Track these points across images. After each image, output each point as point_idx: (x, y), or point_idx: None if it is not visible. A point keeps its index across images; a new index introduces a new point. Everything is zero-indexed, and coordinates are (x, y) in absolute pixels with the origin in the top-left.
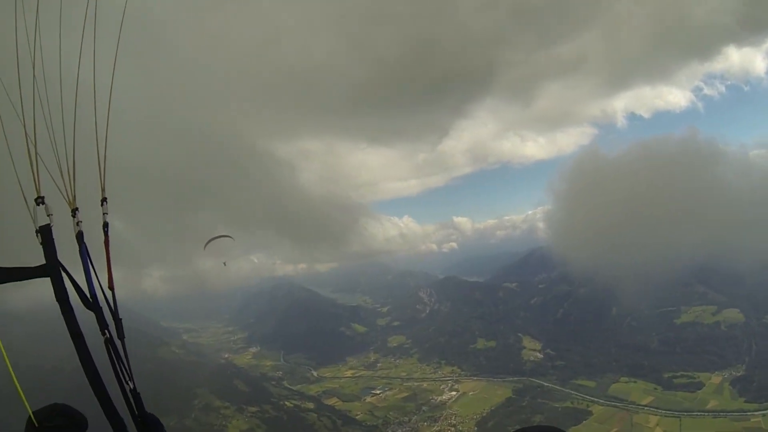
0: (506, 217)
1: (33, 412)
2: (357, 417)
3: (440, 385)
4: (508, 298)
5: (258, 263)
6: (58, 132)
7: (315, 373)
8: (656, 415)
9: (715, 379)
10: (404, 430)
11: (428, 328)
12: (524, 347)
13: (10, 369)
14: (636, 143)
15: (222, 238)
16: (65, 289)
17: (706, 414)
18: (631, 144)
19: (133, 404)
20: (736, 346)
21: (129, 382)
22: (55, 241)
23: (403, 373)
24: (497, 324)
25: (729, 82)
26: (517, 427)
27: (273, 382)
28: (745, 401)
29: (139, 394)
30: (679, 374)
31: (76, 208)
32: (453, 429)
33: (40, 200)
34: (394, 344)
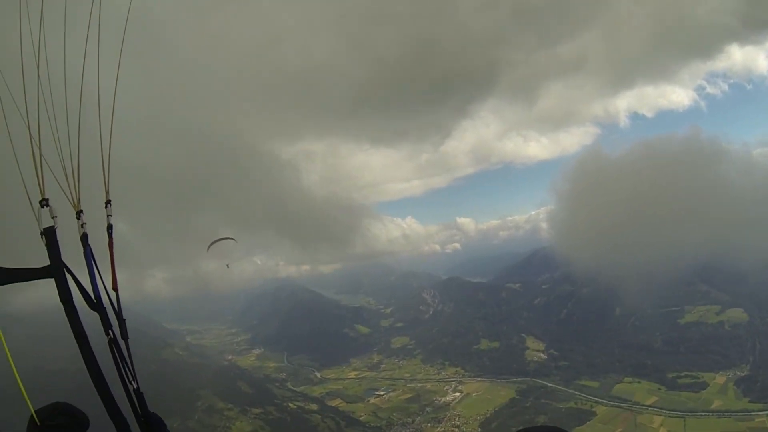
0: (509, 218)
1: (35, 411)
2: (361, 418)
3: (444, 386)
4: (511, 299)
5: (261, 265)
6: (63, 135)
7: (318, 375)
8: (660, 415)
9: (720, 379)
10: (408, 431)
11: (432, 329)
12: (528, 348)
13: (14, 368)
14: (639, 142)
15: (225, 241)
16: (69, 290)
17: (710, 414)
18: (634, 143)
19: (137, 404)
20: (740, 345)
21: (132, 381)
22: (60, 242)
23: (407, 374)
24: (500, 324)
25: (732, 81)
26: (521, 427)
27: (276, 384)
28: (750, 401)
29: (142, 393)
30: (683, 374)
31: (81, 211)
32: (457, 430)
33: (44, 202)
34: (398, 345)
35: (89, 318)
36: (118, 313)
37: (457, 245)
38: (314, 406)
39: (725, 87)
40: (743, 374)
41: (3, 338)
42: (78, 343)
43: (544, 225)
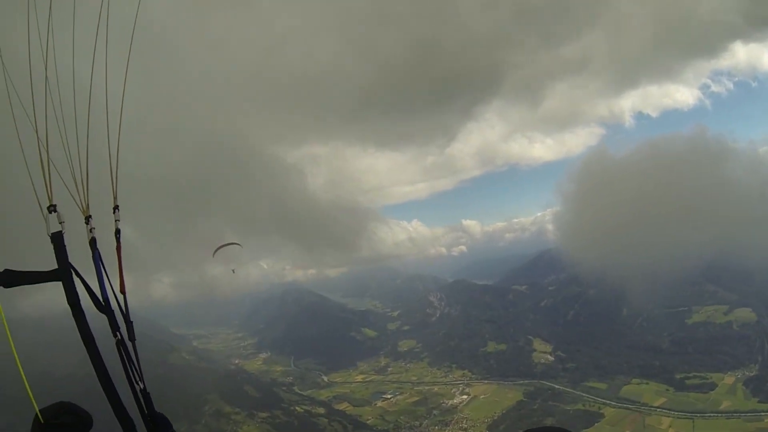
0: (515, 220)
1: (39, 410)
2: (368, 422)
3: (451, 389)
4: (517, 301)
5: (267, 269)
6: (72, 142)
7: (325, 378)
8: (669, 416)
9: (728, 379)
10: None
11: (438, 331)
12: (535, 350)
13: (21, 371)
14: (644, 142)
15: (230, 246)
16: (76, 292)
17: (719, 415)
18: (639, 143)
19: (144, 404)
20: (748, 345)
21: (139, 382)
22: (70, 246)
23: (414, 377)
24: (507, 327)
25: (736, 79)
26: (527, 428)
27: (283, 388)
28: (759, 401)
29: (149, 394)
30: (691, 375)
31: (90, 216)
32: None
33: (52, 208)
34: (405, 348)
35: (97, 321)
36: (126, 316)
37: (463, 248)
38: (321, 410)
39: (730, 85)
40: (752, 374)
41: (12, 343)
42: (85, 344)
43: (550, 226)
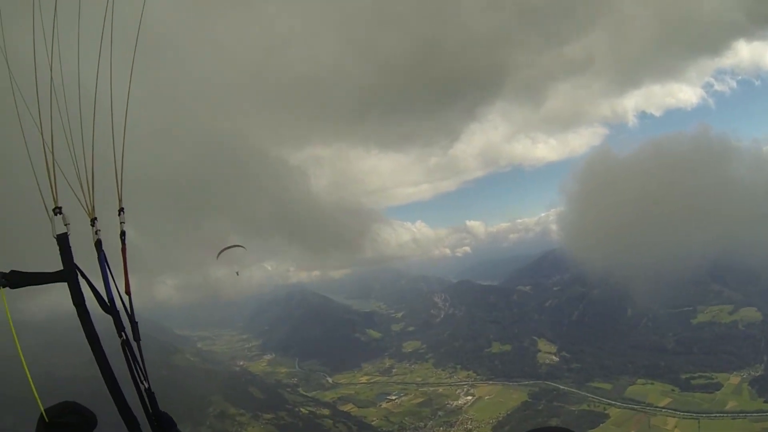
0: (519, 220)
1: (45, 410)
2: (373, 423)
3: (456, 390)
4: (522, 301)
5: (271, 270)
6: (77, 145)
7: (330, 380)
8: (674, 417)
9: (734, 379)
10: None
11: (443, 332)
12: (539, 350)
13: (27, 372)
14: (647, 142)
15: (234, 248)
16: (82, 293)
17: (725, 415)
18: (643, 143)
19: (148, 403)
20: (754, 345)
21: (144, 381)
22: (75, 248)
23: (419, 379)
24: (512, 327)
25: (740, 77)
26: (531, 428)
27: (288, 389)
28: (765, 401)
29: (153, 393)
30: (696, 375)
31: (95, 218)
32: None
33: (57, 210)
34: (409, 349)
35: (102, 322)
36: (131, 316)
37: (468, 248)
38: (326, 411)
39: (733, 84)
40: (758, 374)
41: (18, 344)
42: (90, 343)
43: (554, 227)
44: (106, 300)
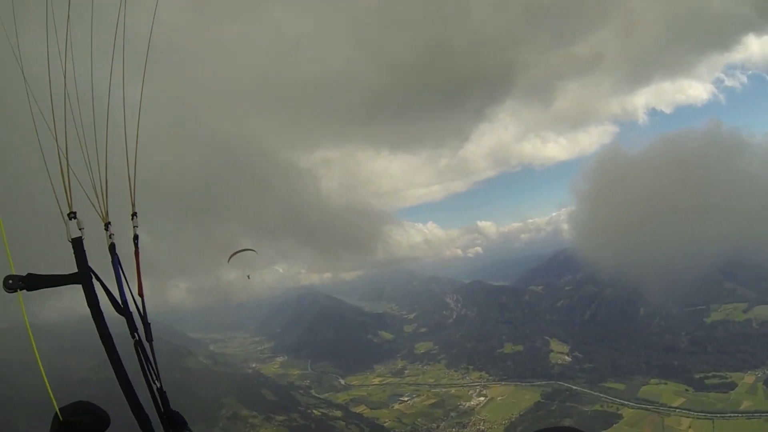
0: (530, 220)
1: (59, 409)
2: (385, 424)
3: (468, 391)
4: (534, 302)
5: (283, 273)
6: (91, 151)
7: (342, 381)
8: (688, 417)
9: (748, 378)
10: None
11: (455, 333)
12: (552, 350)
13: (43, 374)
14: (658, 139)
15: (245, 251)
16: (95, 295)
17: (739, 415)
18: (653, 140)
19: (160, 402)
20: None
21: (156, 381)
22: (90, 251)
23: (431, 380)
24: (524, 328)
25: (750, 72)
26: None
27: (300, 391)
28: None
29: (165, 392)
30: (710, 374)
31: (109, 223)
32: None
33: (72, 215)
34: (422, 351)
35: (116, 326)
36: (143, 317)
37: (479, 249)
38: (338, 413)
39: (744, 79)
40: None
41: (35, 346)
42: (103, 343)
43: (565, 226)
44: (120, 302)
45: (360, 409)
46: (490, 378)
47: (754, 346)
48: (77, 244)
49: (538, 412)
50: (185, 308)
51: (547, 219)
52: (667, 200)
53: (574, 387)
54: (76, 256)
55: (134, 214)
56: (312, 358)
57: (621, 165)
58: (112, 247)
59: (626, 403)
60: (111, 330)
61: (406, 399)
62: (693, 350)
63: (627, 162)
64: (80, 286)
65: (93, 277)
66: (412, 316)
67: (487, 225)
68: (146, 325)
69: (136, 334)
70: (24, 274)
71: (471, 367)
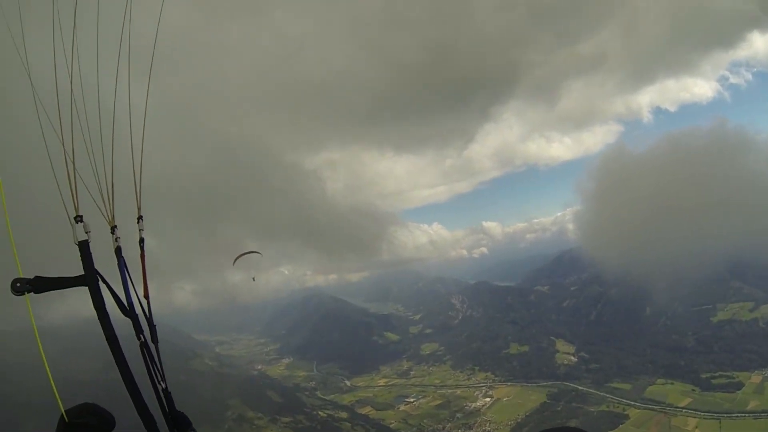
0: (535, 220)
1: (65, 411)
2: (391, 425)
3: (474, 392)
4: (540, 302)
5: (288, 275)
6: (97, 155)
7: (348, 383)
8: (695, 417)
9: (755, 378)
10: None
11: (461, 334)
12: (557, 351)
13: (50, 376)
14: (663, 137)
15: (250, 253)
16: (102, 297)
17: (746, 415)
18: (658, 138)
19: (165, 403)
20: None
21: (161, 382)
22: (96, 254)
23: (437, 381)
24: (530, 328)
25: (755, 69)
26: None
27: (306, 393)
28: None
29: (170, 393)
30: (717, 374)
31: (115, 226)
32: None
33: (78, 219)
34: (427, 352)
35: (122, 327)
36: (149, 319)
37: (484, 249)
38: (344, 414)
39: (749, 76)
40: None
41: (42, 349)
42: (109, 344)
43: (570, 226)
44: (126, 304)
45: (366, 410)
46: (496, 379)
47: (761, 346)
48: (83, 247)
49: (544, 413)
50: (190, 310)
51: (553, 219)
52: (673, 199)
53: (580, 387)
54: (82, 259)
55: (140, 218)
56: (318, 359)
57: (626, 164)
58: (118, 251)
59: (632, 403)
60: (117, 332)
61: (411, 400)
62: (699, 350)
63: (632, 161)
64: (86, 288)
65: (99, 279)
66: (417, 317)
67: (492, 225)
68: (152, 327)
69: (141, 335)
70: (31, 277)
71: (477, 367)
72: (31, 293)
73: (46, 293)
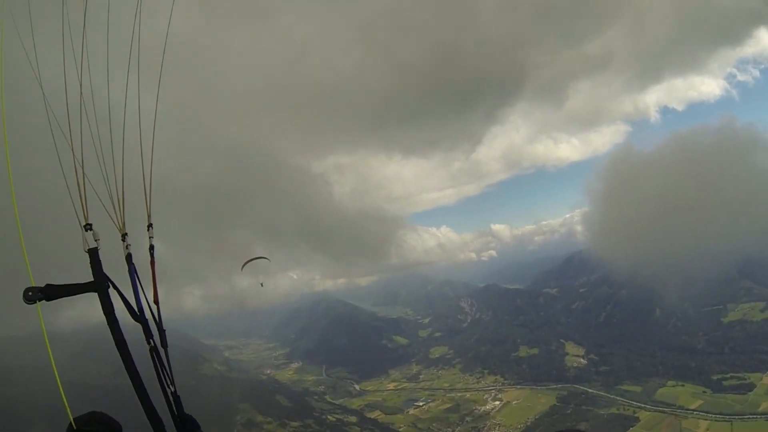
0: (544, 222)
1: (73, 419)
2: (400, 429)
3: (483, 395)
4: (549, 304)
5: (297, 279)
6: (108, 163)
7: (357, 387)
8: (706, 419)
9: (767, 379)
10: None
11: (470, 337)
12: (567, 353)
13: (58, 381)
14: (671, 137)
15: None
16: (111, 302)
17: (758, 417)
18: (666, 138)
19: (174, 406)
20: None
21: (171, 386)
22: (106, 261)
23: (446, 384)
24: (539, 331)
25: (763, 66)
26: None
27: (315, 397)
28: None
29: (179, 396)
30: (728, 376)
31: (126, 234)
32: None
33: (88, 227)
34: (436, 355)
35: (131, 332)
36: (159, 324)
37: (493, 252)
38: (353, 419)
39: (756, 73)
40: None
41: (51, 355)
42: (118, 349)
43: (579, 228)
44: (136, 309)
45: (375, 414)
46: (506, 382)
47: None
48: (93, 254)
49: (554, 416)
50: (199, 315)
51: (561, 220)
52: (682, 198)
53: (590, 390)
54: (92, 266)
55: (150, 225)
56: (327, 363)
57: (634, 164)
58: (128, 257)
59: (643, 405)
60: (126, 337)
61: (421, 404)
62: (710, 351)
63: (640, 161)
64: (96, 294)
65: (109, 285)
66: (426, 320)
67: (500, 228)
68: (161, 332)
69: (151, 340)
70: (42, 284)
71: (486, 371)
72: (43, 301)
73: (55, 300)
